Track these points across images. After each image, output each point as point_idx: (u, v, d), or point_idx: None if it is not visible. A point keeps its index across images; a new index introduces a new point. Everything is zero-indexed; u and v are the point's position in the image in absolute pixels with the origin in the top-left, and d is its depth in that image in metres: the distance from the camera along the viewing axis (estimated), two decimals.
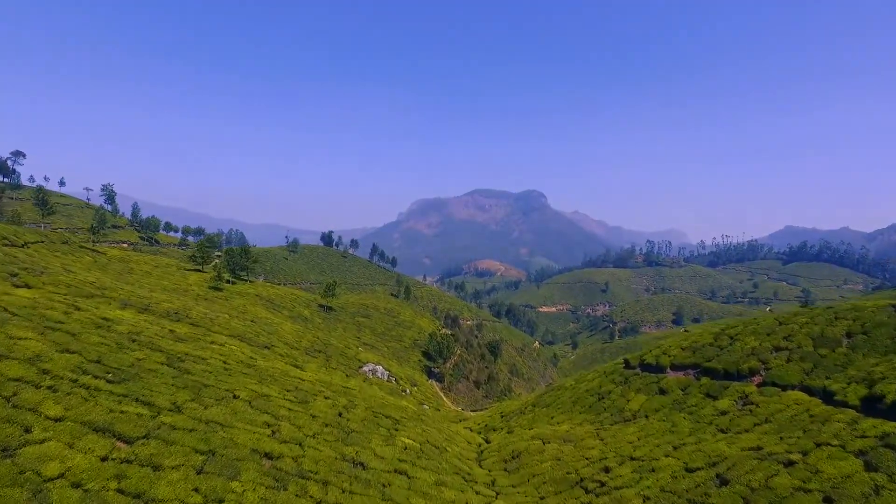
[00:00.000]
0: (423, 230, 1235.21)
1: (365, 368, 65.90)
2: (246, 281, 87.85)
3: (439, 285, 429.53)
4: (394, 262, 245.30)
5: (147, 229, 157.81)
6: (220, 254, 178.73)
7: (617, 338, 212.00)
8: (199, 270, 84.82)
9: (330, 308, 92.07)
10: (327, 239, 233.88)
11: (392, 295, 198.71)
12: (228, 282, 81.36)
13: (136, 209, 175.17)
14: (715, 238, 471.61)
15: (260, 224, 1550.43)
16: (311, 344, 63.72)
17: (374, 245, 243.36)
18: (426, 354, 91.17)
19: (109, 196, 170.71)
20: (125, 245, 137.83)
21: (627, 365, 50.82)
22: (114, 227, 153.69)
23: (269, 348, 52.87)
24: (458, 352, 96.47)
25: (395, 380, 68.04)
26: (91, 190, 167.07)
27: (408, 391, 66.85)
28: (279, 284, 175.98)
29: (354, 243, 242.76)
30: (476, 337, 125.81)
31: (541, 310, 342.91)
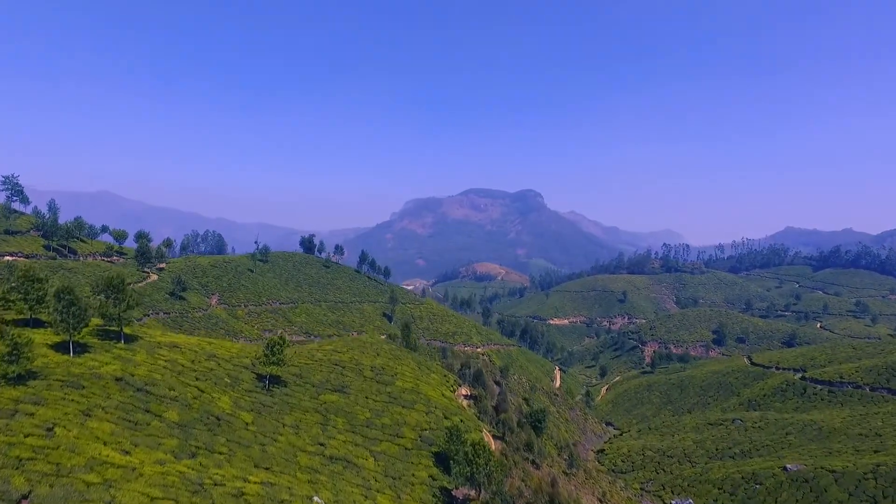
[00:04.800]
0: (417, 230, 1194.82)
1: None
2: (113, 340, 49.05)
3: (437, 292, 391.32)
4: (387, 273, 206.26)
5: (57, 235, 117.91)
6: (163, 266, 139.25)
7: (658, 364, 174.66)
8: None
9: (277, 380, 53.69)
10: (307, 244, 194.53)
11: (384, 316, 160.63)
12: (59, 347, 42.54)
13: (52, 208, 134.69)
14: (735, 240, 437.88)
15: (253, 223, 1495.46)
16: None
17: (362, 252, 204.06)
18: (440, 458, 53.30)
19: (15, 191, 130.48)
20: (8, 258, 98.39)
21: None
22: (7, 232, 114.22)
23: None
24: (499, 450, 58.52)
25: None
26: None
27: None
28: (239, 306, 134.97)
29: (339, 249, 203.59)
30: (504, 392, 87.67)
31: (551, 322, 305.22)
